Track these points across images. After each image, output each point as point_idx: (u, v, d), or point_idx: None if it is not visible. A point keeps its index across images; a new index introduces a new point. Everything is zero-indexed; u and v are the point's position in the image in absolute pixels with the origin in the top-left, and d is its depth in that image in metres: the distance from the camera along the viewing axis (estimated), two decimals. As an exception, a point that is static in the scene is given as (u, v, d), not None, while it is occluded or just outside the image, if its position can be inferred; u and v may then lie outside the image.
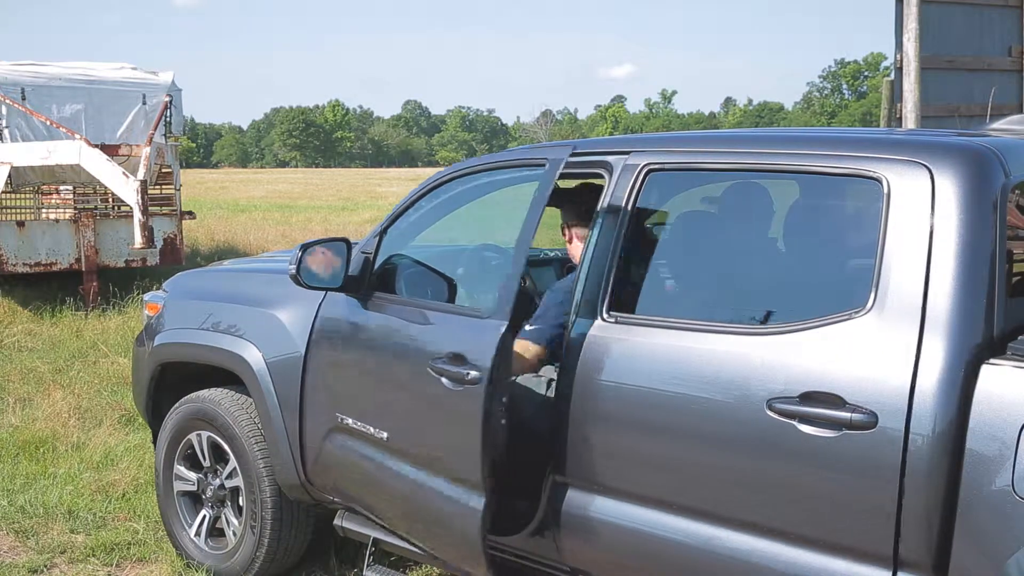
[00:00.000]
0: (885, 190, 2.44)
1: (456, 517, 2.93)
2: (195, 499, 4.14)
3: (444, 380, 2.95)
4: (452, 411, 2.94)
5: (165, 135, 11.76)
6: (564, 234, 3.67)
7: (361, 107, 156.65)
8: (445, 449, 3.03)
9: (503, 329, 2.80)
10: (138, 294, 9.64)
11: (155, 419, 4.31)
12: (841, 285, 2.64)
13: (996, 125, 3.13)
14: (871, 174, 2.49)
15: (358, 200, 28.63)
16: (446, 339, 3.04)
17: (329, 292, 3.52)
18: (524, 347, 3.21)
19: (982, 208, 2.31)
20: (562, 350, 2.94)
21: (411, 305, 3.34)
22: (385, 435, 3.24)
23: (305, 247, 3.38)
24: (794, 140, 2.87)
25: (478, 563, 2.89)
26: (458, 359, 2.92)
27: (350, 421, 3.39)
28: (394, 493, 3.26)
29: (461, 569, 3.10)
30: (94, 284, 10.24)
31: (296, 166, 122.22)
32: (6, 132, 11.30)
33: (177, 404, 4.11)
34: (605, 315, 2.84)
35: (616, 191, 2.97)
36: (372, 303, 3.41)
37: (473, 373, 2.84)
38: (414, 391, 3.15)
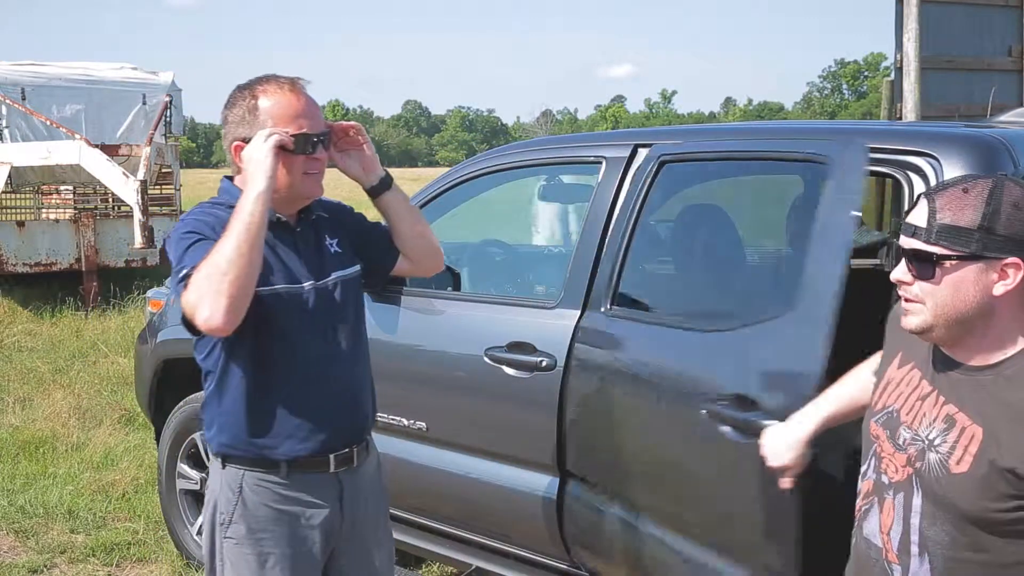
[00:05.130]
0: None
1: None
2: (197, 498, 4.10)
3: (506, 369, 3.07)
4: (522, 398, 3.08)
5: (165, 135, 11.75)
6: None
7: (361, 107, 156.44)
8: (511, 434, 3.16)
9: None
10: (138, 294, 9.61)
11: (158, 417, 4.28)
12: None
13: (1003, 117, 3.11)
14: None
15: (359, 199, 28.63)
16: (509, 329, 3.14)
17: None
18: None
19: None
20: None
21: (448, 299, 3.49)
22: (423, 425, 3.35)
23: None
24: (793, 131, 2.86)
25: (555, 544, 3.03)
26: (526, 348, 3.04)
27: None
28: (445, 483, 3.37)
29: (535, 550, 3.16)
30: (94, 284, 10.20)
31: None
32: (6, 132, 11.30)
33: (181, 403, 4.07)
34: None
35: None
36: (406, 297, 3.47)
37: (547, 361, 2.96)
38: (465, 381, 3.27)
